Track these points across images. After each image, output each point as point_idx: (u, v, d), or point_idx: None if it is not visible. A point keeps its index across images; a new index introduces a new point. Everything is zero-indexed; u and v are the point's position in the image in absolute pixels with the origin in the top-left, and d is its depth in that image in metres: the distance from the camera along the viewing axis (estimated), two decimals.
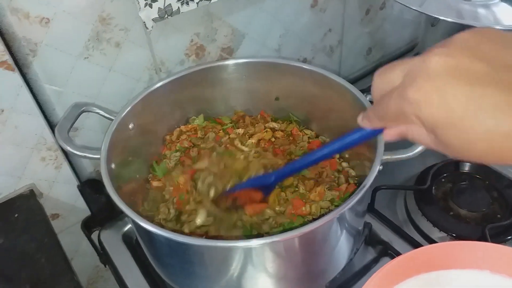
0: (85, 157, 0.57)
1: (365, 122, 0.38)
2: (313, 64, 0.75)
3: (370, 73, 1.07)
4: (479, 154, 0.28)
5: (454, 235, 0.64)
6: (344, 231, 0.55)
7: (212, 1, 0.64)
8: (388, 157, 0.52)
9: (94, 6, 0.59)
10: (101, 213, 0.74)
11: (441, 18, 0.67)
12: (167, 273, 0.61)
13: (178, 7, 0.62)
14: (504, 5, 0.70)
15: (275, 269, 0.54)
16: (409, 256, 0.44)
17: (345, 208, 0.48)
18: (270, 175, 0.58)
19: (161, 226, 0.59)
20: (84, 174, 0.73)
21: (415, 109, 0.30)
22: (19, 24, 0.55)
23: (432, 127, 0.30)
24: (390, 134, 0.35)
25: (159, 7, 0.60)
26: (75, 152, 0.56)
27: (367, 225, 0.66)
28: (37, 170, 0.68)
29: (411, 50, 1.13)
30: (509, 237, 0.64)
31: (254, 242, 0.48)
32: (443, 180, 0.72)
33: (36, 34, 0.57)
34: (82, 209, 0.76)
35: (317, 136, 0.73)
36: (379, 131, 0.37)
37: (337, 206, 0.59)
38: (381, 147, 0.53)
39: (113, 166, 0.57)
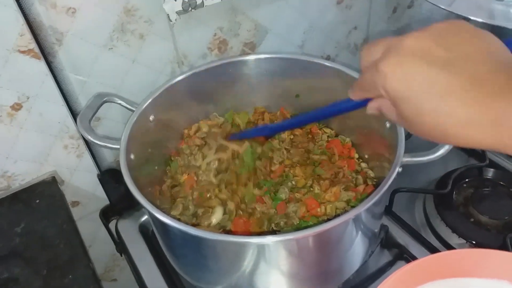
0: (105, 146, 0.58)
1: (350, 93, 0.41)
2: (337, 62, 0.74)
3: None
4: (427, 129, 0.32)
5: (473, 242, 0.63)
6: (360, 232, 0.54)
7: None
8: (408, 159, 0.51)
9: None
10: (119, 203, 0.75)
11: (472, 18, 0.65)
12: (180, 265, 0.62)
13: (202, 1, 0.62)
14: None
15: (288, 267, 0.54)
16: (425, 261, 0.43)
17: (362, 209, 0.47)
18: (264, 128, 0.64)
19: (177, 219, 0.60)
20: (104, 163, 0.74)
21: (382, 80, 0.33)
22: (47, 13, 0.56)
23: (393, 99, 0.33)
24: (371, 107, 0.39)
25: (183, 0, 0.60)
26: (96, 141, 0.57)
27: (383, 227, 0.65)
28: (60, 157, 0.70)
29: None
30: None
31: (268, 239, 0.48)
32: (464, 185, 0.70)
33: (62, 23, 0.58)
34: (102, 198, 0.78)
35: (336, 135, 0.72)
36: (364, 103, 0.40)
37: (353, 207, 0.58)
38: (401, 149, 0.52)
39: (132, 157, 0.58)
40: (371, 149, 0.66)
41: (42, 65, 0.59)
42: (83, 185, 0.75)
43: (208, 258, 0.55)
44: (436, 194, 0.69)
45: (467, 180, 0.70)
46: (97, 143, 0.57)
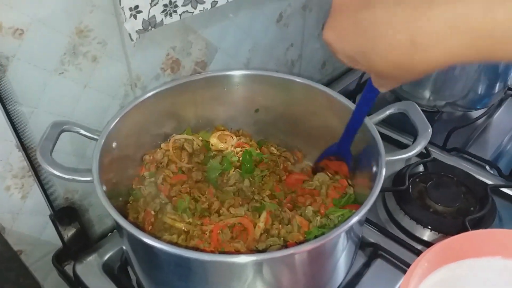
0: (73, 180, 0.51)
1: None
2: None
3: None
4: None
5: (437, 230, 0.68)
6: (350, 240, 0.55)
7: (194, 13, 0.63)
8: (389, 158, 0.54)
9: (72, 17, 0.55)
10: (74, 245, 0.67)
11: None
12: None
13: (162, 19, 0.60)
14: None
15: (283, 284, 0.52)
16: (429, 253, 0.46)
17: (362, 212, 0.48)
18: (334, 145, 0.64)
19: None
20: (57, 202, 0.66)
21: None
22: None
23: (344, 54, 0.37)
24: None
25: (143, 18, 0.58)
26: (62, 175, 0.51)
27: None
28: (1, 201, 0.60)
29: None
30: (483, 228, 0.69)
31: (268, 255, 0.47)
32: (417, 180, 0.76)
33: (8, 46, 0.51)
34: (48, 242, 0.69)
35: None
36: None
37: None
38: (381, 148, 0.55)
39: (104, 188, 0.52)
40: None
41: None
42: (27, 231, 0.66)
43: (197, 280, 0.51)
44: (396, 191, 0.74)
45: (417, 175, 0.77)
46: (64, 178, 0.51)
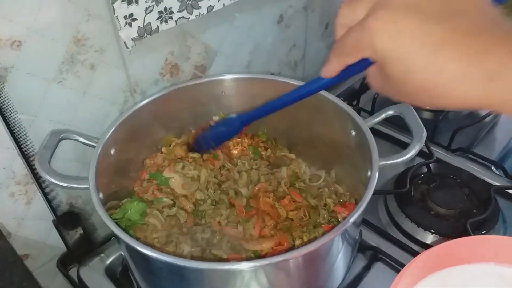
0: (71, 188, 0.53)
1: (326, 66, 0.39)
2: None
3: None
4: (416, 90, 0.31)
5: (438, 232, 0.68)
6: (345, 242, 0.55)
7: (190, 19, 0.64)
8: (383, 162, 0.54)
9: (69, 27, 0.56)
10: (78, 249, 0.68)
11: None
12: None
13: (158, 26, 0.61)
14: None
15: None
16: (424, 256, 0.45)
17: (356, 215, 0.48)
18: (235, 119, 0.61)
19: None
20: (59, 208, 0.67)
21: (371, 37, 0.31)
22: None
23: (381, 59, 0.31)
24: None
25: (138, 26, 0.58)
26: (60, 183, 0.52)
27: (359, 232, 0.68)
28: (5, 207, 0.62)
29: None
30: (485, 230, 0.68)
31: (259, 262, 0.47)
32: (419, 181, 0.75)
33: (6, 58, 0.52)
34: (53, 246, 0.70)
35: None
36: (336, 80, 0.40)
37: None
38: (375, 153, 0.54)
39: (101, 196, 0.53)
40: (339, 166, 0.69)
41: None
42: (32, 235, 0.67)
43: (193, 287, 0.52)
44: (397, 193, 0.73)
45: (420, 177, 0.76)
46: (62, 185, 0.52)
